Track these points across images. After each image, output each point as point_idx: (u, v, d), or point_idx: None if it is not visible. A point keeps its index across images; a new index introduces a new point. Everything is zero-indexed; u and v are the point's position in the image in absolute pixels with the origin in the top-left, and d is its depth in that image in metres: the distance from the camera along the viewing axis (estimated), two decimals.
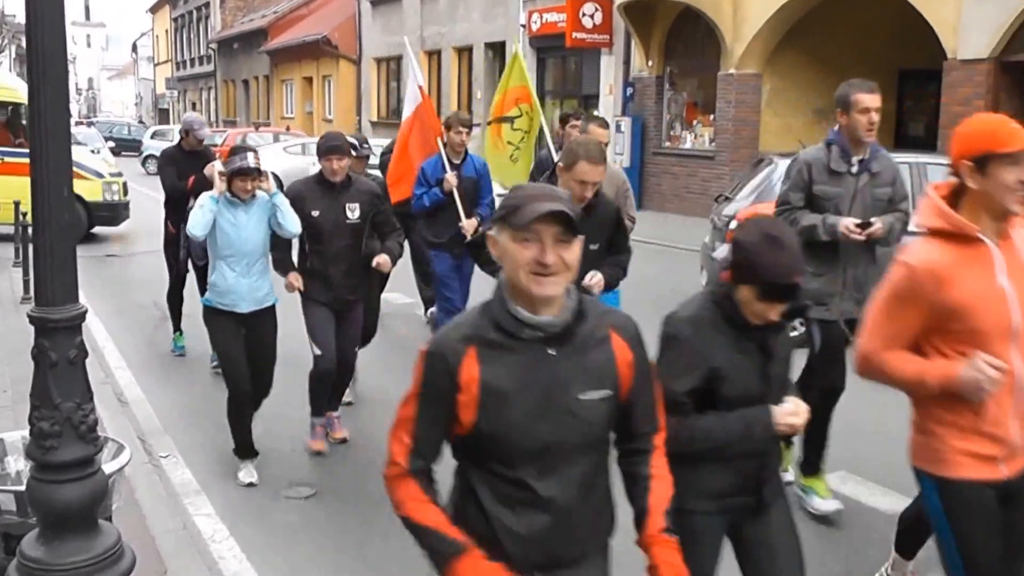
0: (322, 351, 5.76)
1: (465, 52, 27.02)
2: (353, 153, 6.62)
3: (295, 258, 5.90)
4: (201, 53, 51.81)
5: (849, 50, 15.79)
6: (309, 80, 37.10)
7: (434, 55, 28.50)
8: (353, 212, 5.75)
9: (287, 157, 22.48)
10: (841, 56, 15.77)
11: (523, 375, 2.21)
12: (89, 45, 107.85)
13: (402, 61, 30.27)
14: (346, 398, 6.59)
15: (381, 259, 5.84)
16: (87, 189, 14.79)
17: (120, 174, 16.12)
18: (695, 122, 19.26)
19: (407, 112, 7.99)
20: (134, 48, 78.80)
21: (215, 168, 7.43)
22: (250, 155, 5.32)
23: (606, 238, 4.80)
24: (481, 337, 2.23)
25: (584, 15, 20.23)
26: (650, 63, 19.50)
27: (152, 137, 35.09)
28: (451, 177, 7.06)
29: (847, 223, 4.74)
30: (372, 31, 32.30)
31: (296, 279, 5.67)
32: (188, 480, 5.46)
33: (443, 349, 2.24)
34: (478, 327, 2.25)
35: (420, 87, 7.93)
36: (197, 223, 5.28)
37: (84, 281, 3.73)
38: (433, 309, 8.79)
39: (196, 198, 7.49)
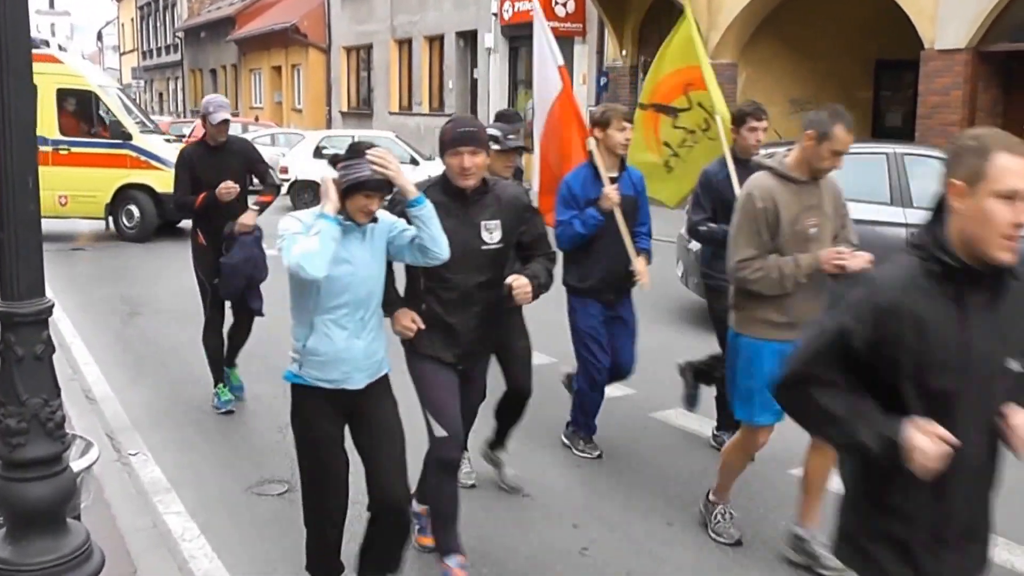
0: (448, 431, 4.03)
1: (436, 41, 26.81)
2: (495, 147, 4.64)
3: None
4: (168, 42, 51.17)
5: (826, 40, 15.75)
6: (278, 69, 36.79)
7: (404, 44, 28.27)
8: (492, 233, 3.97)
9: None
10: (818, 46, 15.74)
11: None
12: (53, 34, 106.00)
13: (373, 50, 30.03)
14: (467, 480, 5.13)
15: (518, 284, 3.93)
16: (159, 180, 14.08)
17: None
18: None
19: (546, 105, 5.95)
20: (99, 37, 77.68)
21: (232, 188, 6.00)
22: None
23: None
24: None
25: (556, 3, 20.16)
26: (624, 52, 19.39)
27: None
28: (612, 192, 5.14)
29: None
30: (341, 20, 32.01)
31: (409, 317, 3.95)
32: (158, 478, 5.32)
33: None
34: None
35: (560, 67, 5.90)
36: (318, 257, 3.33)
37: (51, 275, 3.70)
38: None
39: (206, 218, 6.16)
